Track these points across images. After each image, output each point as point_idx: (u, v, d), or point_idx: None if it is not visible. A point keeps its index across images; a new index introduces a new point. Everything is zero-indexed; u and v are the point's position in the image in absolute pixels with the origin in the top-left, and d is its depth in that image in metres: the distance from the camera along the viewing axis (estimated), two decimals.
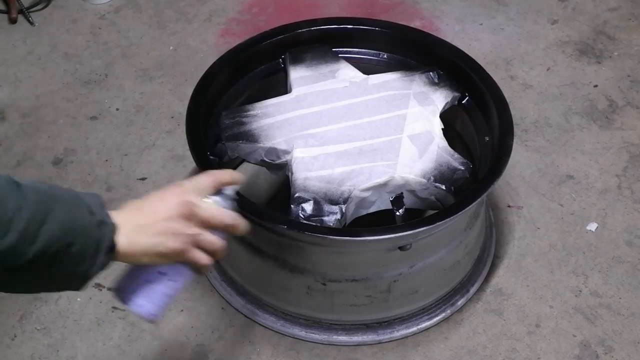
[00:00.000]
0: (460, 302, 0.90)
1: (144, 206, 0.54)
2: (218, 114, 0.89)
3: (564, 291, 0.92)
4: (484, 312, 0.90)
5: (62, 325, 0.88)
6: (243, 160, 0.95)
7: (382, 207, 0.83)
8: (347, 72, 0.93)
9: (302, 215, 0.78)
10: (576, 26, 1.30)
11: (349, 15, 1.26)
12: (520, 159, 1.07)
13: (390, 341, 0.87)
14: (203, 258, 0.56)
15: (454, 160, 0.83)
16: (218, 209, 0.57)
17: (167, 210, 0.53)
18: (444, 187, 0.81)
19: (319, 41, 0.96)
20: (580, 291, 0.93)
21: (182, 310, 0.89)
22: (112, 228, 0.50)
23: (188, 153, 0.83)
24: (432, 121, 0.87)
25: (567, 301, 0.91)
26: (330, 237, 0.76)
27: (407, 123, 0.86)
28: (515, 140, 0.84)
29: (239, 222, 0.58)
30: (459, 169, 0.83)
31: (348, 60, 0.96)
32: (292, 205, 0.79)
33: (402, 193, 0.82)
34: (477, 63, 0.92)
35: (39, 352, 0.85)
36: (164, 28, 1.28)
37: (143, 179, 1.05)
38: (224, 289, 0.91)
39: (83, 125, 1.12)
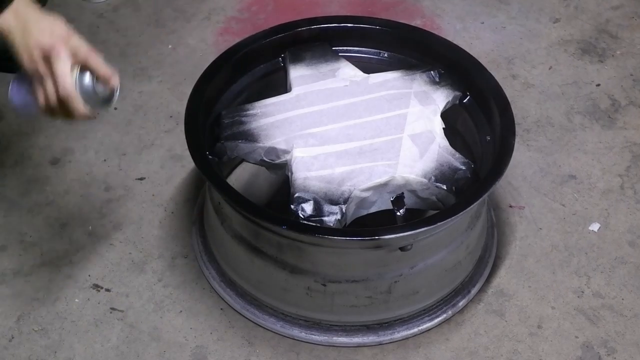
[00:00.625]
0: (461, 303, 0.90)
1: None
2: (217, 113, 0.89)
3: (566, 292, 0.92)
4: (485, 313, 0.90)
5: (59, 326, 0.87)
6: (242, 160, 0.95)
7: (383, 207, 0.83)
8: (347, 71, 0.93)
9: (301, 216, 0.78)
10: (578, 25, 1.29)
11: (349, 14, 1.25)
12: (522, 159, 1.07)
13: (391, 342, 0.86)
14: (50, 91, 0.59)
15: (455, 160, 0.83)
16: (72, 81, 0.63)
17: (56, 24, 0.58)
18: (445, 187, 0.81)
19: (319, 40, 0.96)
20: (582, 292, 0.92)
21: (180, 311, 0.89)
22: None
23: (187, 153, 0.82)
24: (433, 120, 0.87)
25: (569, 302, 0.91)
26: (330, 237, 0.76)
27: (407, 122, 0.86)
28: (517, 139, 0.84)
29: (80, 108, 0.61)
30: (460, 169, 0.82)
31: (348, 59, 0.95)
32: (291, 206, 0.79)
33: (402, 193, 0.82)
34: (479, 62, 0.92)
35: (36, 354, 0.85)
36: (163, 27, 1.28)
37: (141, 178, 1.04)
38: (223, 289, 0.90)
39: (81, 125, 1.11)
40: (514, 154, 0.82)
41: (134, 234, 0.97)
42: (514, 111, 0.86)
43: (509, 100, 0.87)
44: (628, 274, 0.94)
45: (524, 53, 1.24)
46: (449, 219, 0.76)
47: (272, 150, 0.84)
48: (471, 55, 0.93)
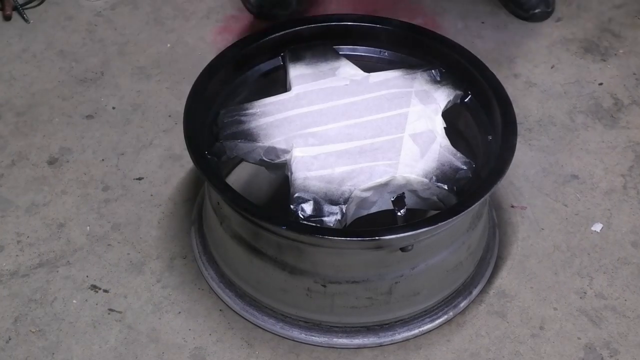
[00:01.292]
0: (462, 304, 0.89)
1: None
2: (216, 112, 0.89)
3: (569, 293, 0.91)
4: (486, 314, 0.89)
5: (57, 327, 0.86)
6: (242, 160, 0.94)
7: (383, 208, 0.83)
8: (347, 70, 0.92)
9: (301, 216, 0.78)
10: (581, 23, 1.29)
11: (349, 12, 1.24)
12: (524, 159, 1.06)
13: (392, 344, 0.86)
14: None
15: (457, 159, 0.83)
16: None
17: None
18: (446, 187, 0.80)
19: (319, 38, 0.95)
20: (585, 293, 0.91)
21: (179, 313, 0.88)
22: None
23: (185, 152, 0.82)
24: (434, 120, 0.86)
25: (571, 303, 0.90)
26: (330, 238, 0.75)
27: (408, 122, 0.86)
28: (518, 139, 0.83)
29: None
30: (462, 169, 0.82)
31: (349, 57, 0.95)
32: (291, 206, 0.78)
33: (403, 193, 0.82)
34: (480, 61, 0.92)
35: (34, 355, 0.84)
36: (161, 25, 1.27)
37: (140, 178, 1.03)
38: (222, 290, 0.90)
39: (79, 124, 1.10)
40: (516, 153, 0.81)
41: (132, 234, 0.96)
42: (516, 110, 0.86)
43: (511, 99, 0.87)
44: (631, 275, 0.94)
45: (525, 52, 1.23)
46: (450, 219, 0.76)
47: (272, 150, 0.84)
48: (472, 54, 0.93)
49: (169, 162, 1.06)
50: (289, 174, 0.82)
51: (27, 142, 1.08)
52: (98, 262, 0.93)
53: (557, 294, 0.91)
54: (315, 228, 0.76)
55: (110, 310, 0.88)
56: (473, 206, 0.77)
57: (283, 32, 0.94)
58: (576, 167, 1.06)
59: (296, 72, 0.92)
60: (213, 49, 1.21)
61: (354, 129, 0.85)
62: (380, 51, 0.97)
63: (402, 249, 0.78)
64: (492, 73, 0.90)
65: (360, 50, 0.97)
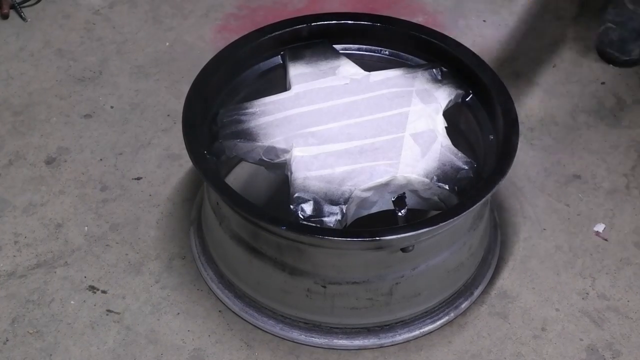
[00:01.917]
0: (464, 305, 0.89)
1: None
2: (215, 112, 0.88)
3: (571, 294, 0.91)
4: (488, 315, 0.89)
5: (55, 328, 0.86)
6: (241, 160, 0.94)
7: (384, 208, 0.82)
8: (347, 69, 0.92)
9: (301, 216, 0.77)
10: (583, 22, 1.28)
11: (349, 11, 1.24)
12: (526, 158, 1.06)
13: (392, 345, 0.85)
14: None
15: (458, 159, 0.82)
16: None
17: None
18: (447, 187, 0.80)
19: (319, 37, 0.95)
20: (587, 294, 0.91)
21: (178, 314, 0.88)
22: None
23: (184, 152, 0.82)
24: (435, 119, 0.86)
25: (573, 304, 0.90)
26: (331, 238, 0.75)
27: (409, 121, 0.85)
28: (520, 139, 0.83)
29: None
30: (463, 169, 0.81)
31: (349, 56, 0.94)
32: (291, 206, 0.78)
33: (404, 193, 0.81)
34: (482, 60, 0.91)
35: (31, 357, 0.84)
36: (160, 23, 1.26)
37: (138, 178, 1.03)
38: (221, 291, 0.89)
39: (77, 124, 1.10)
40: (518, 153, 0.81)
41: (130, 234, 0.96)
42: (518, 110, 0.86)
43: (513, 98, 0.86)
44: (634, 276, 0.93)
45: (527, 51, 1.23)
46: (451, 220, 0.76)
47: (271, 150, 0.83)
48: (474, 53, 0.92)
49: (167, 161, 1.05)
50: (289, 173, 0.81)
51: (24, 142, 1.07)
52: (96, 263, 0.92)
53: (559, 294, 0.91)
54: (315, 228, 0.76)
55: (109, 311, 0.87)
56: (474, 206, 0.77)
57: (282, 31, 0.94)
58: (578, 167, 1.05)
59: (296, 71, 0.91)
60: (212, 47, 1.20)
61: (354, 129, 0.84)
62: (380, 50, 0.97)
63: (403, 250, 0.78)
64: (493, 72, 0.89)
65: (361, 49, 0.97)
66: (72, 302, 0.88)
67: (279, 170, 0.85)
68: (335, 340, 0.85)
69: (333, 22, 0.96)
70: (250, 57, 0.93)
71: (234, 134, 0.84)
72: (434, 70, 0.91)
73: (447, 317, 0.88)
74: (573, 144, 1.09)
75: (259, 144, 0.83)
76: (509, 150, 0.81)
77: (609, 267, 0.94)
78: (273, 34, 0.93)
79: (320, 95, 0.88)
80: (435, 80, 0.91)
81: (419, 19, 1.27)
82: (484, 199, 0.78)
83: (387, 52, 0.96)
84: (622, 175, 1.05)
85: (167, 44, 1.23)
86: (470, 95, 0.91)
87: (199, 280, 0.91)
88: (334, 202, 0.78)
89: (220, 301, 0.89)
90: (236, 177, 1.02)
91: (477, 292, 0.90)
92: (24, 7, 1.27)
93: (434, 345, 0.86)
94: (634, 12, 1.15)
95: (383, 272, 0.81)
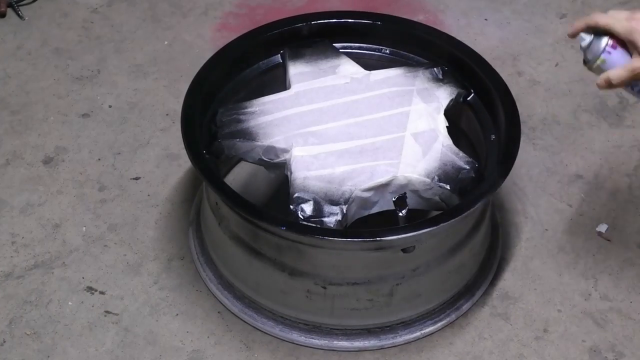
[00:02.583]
0: (465, 307, 0.88)
1: None
2: (214, 111, 0.88)
3: (573, 295, 0.90)
4: (489, 317, 0.88)
5: (52, 330, 0.85)
6: (240, 159, 0.93)
7: (385, 208, 0.82)
8: (348, 68, 0.91)
9: (301, 216, 0.77)
10: None
11: (350, 9, 1.23)
12: (528, 158, 1.05)
13: (393, 347, 0.85)
14: None
15: (459, 159, 0.82)
16: None
17: None
18: (448, 187, 0.79)
19: (319, 36, 0.94)
20: (589, 295, 0.90)
21: (177, 315, 0.87)
22: None
23: (183, 152, 0.81)
24: (436, 119, 0.85)
25: (576, 305, 0.89)
26: (331, 238, 0.74)
27: (410, 121, 0.85)
28: (522, 138, 0.82)
29: None
30: (464, 169, 0.81)
31: (349, 55, 0.94)
32: (291, 206, 0.78)
33: (405, 193, 0.81)
34: (483, 58, 0.91)
35: (28, 358, 0.83)
36: (159, 22, 1.26)
37: (137, 178, 1.02)
38: (220, 292, 0.89)
39: (74, 123, 1.09)
40: (520, 153, 0.80)
41: (129, 235, 0.95)
42: (520, 109, 0.85)
43: (515, 97, 0.86)
44: (637, 276, 0.92)
45: (529, 49, 1.22)
46: (453, 220, 0.75)
47: (271, 149, 0.83)
48: (475, 52, 0.92)
49: (166, 161, 1.04)
50: (289, 173, 0.81)
51: (21, 141, 1.06)
52: (94, 264, 0.92)
53: (562, 295, 0.90)
54: (315, 229, 0.76)
55: (107, 312, 0.87)
56: (476, 207, 0.77)
57: (282, 29, 0.93)
58: (581, 166, 1.05)
59: (296, 70, 0.91)
60: (211, 46, 1.19)
61: (355, 128, 0.84)
62: (381, 49, 0.96)
63: (404, 250, 0.77)
64: (495, 71, 0.89)
65: (361, 48, 0.96)
66: (69, 303, 0.88)
67: (278, 170, 0.84)
68: (335, 342, 0.85)
69: (333, 20, 0.95)
70: (250, 56, 0.92)
71: (233, 134, 0.84)
72: (435, 69, 0.91)
73: (448, 319, 0.87)
74: (575, 143, 1.08)
75: (259, 143, 0.83)
76: (510, 150, 0.80)
77: (611, 268, 0.93)
78: (273, 33, 0.93)
79: (321, 94, 0.88)
80: (436, 79, 0.90)
81: (419, 18, 1.26)
82: (485, 199, 0.77)
83: (387, 51, 0.96)
84: (624, 175, 1.04)
85: (166, 42, 1.22)
86: (472, 95, 0.90)
87: (198, 281, 0.90)
88: (334, 202, 0.77)
89: (220, 302, 0.88)
90: (235, 177, 1.02)
91: (478, 293, 0.90)
92: (21, 5, 1.26)
93: (435, 346, 0.85)
94: None
95: (384, 273, 0.80)
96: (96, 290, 0.89)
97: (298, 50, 0.93)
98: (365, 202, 0.80)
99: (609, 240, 0.96)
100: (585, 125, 1.11)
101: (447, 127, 0.85)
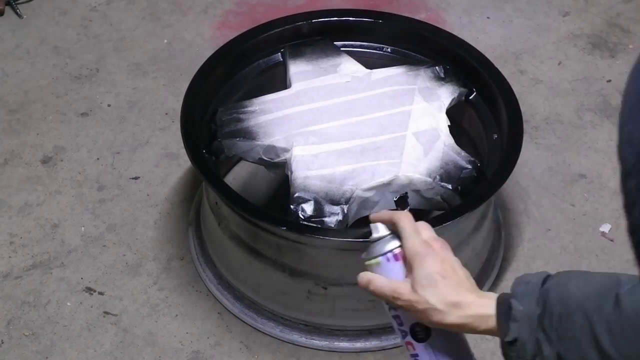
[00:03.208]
0: None
1: None
2: (214, 110, 0.87)
3: None
4: None
5: (51, 330, 0.85)
6: (240, 159, 0.92)
7: (386, 208, 0.81)
8: (349, 67, 0.90)
9: (302, 216, 0.76)
10: (589, 18, 1.27)
11: (351, 7, 1.22)
12: (530, 158, 1.04)
13: (394, 347, 0.84)
14: None
15: (461, 158, 0.81)
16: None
17: None
18: (450, 186, 0.79)
19: (320, 34, 0.94)
20: None
21: (176, 316, 0.86)
22: None
23: (183, 151, 0.81)
24: (437, 118, 0.85)
25: None
26: (331, 239, 0.73)
27: (411, 120, 0.84)
28: (524, 137, 0.82)
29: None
30: (466, 168, 0.80)
31: (350, 54, 0.93)
32: (291, 206, 0.77)
33: (406, 193, 0.80)
34: (485, 57, 0.91)
35: (27, 359, 0.82)
36: (158, 20, 1.25)
37: (136, 178, 1.01)
38: (220, 293, 0.88)
39: (73, 122, 1.08)
40: (522, 152, 0.80)
41: (128, 235, 0.94)
42: (522, 108, 0.85)
43: (517, 96, 0.85)
44: None
45: (532, 48, 1.21)
46: (455, 220, 0.74)
47: (271, 149, 0.82)
48: (477, 50, 0.91)
49: (165, 161, 1.04)
50: (289, 173, 0.80)
51: (20, 141, 1.06)
52: (93, 264, 0.91)
53: None
54: (316, 229, 0.75)
55: (106, 313, 0.86)
56: (478, 207, 0.76)
57: (282, 28, 0.92)
58: (584, 166, 1.04)
59: (296, 68, 0.90)
60: (211, 44, 1.19)
61: (356, 127, 0.83)
62: (382, 47, 0.95)
63: None
64: (497, 70, 0.89)
65: (362, 46, 0.96)
66: (68, 303, 0.87)
67: (279, 170, 0.84)
68: (336, 343, 0.84)
69: (334, 18, 0.95)
70: (250, 55, 0.92)
71: (233, 133, 0.83)
72: (436, 67, 0.90)
73: None
74: (578, 142, 1.07)
75: (259, 142, 0.82)
76: (513, 150, 0.80)
77: (615, 268, 0.92)
78: (273, 31, 0.92)
79: (321, 93, 0.87)
80: (438, 78, 0.89)
81: (421, 16, 1.25)
82: (487, 199, 0.76)
83: (389, 50, 0.95)
84: None
85: (165, 41, 1.21)
86: (474, 94, 0.90)
87: (197, 281, 0.90)
88: (335, 202, 0.77)
89: (220, 303, 0.88)
90: (235, 177, 1.01)
91: None
92: (19, 3, 1.26)
93: None
94: None
95: None
96: (95, 291, 0.88)
97: (298, 49, 0.92)
98: (366, 202, 0.79)
99: (612, 240, 0.95)
100: (589, 125, 1.10)
101: (448, 126, 0.85)
